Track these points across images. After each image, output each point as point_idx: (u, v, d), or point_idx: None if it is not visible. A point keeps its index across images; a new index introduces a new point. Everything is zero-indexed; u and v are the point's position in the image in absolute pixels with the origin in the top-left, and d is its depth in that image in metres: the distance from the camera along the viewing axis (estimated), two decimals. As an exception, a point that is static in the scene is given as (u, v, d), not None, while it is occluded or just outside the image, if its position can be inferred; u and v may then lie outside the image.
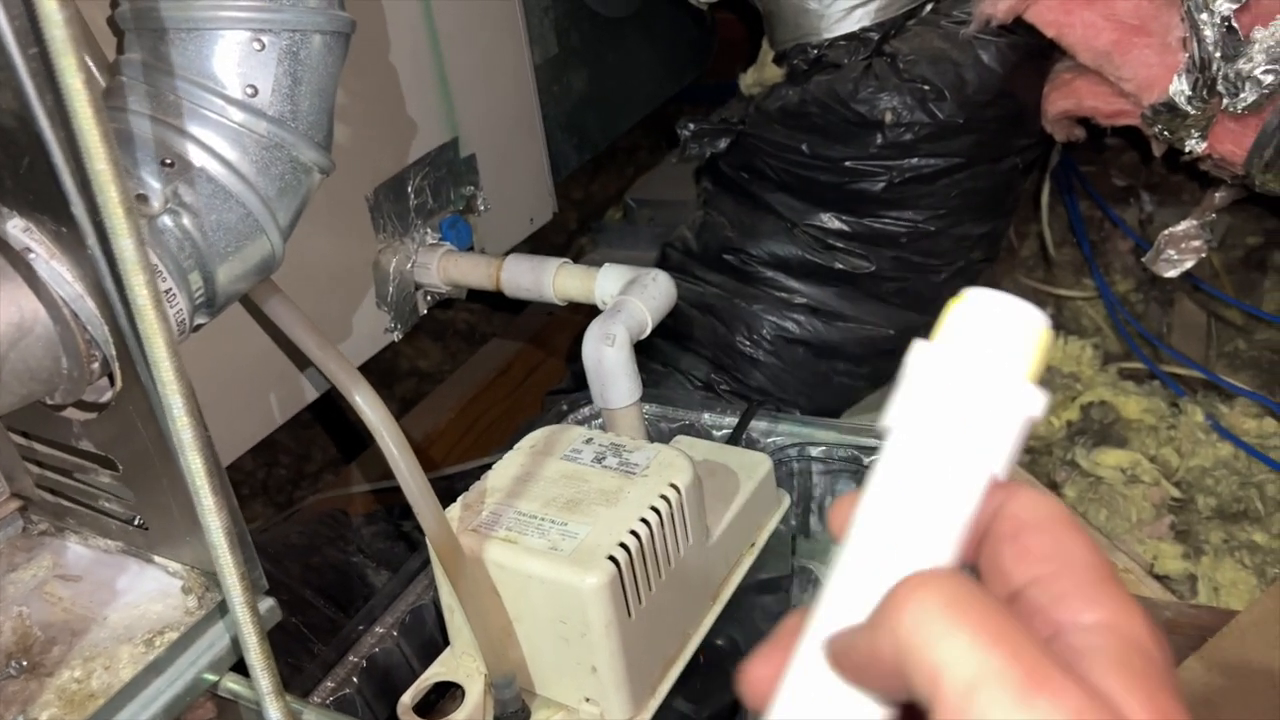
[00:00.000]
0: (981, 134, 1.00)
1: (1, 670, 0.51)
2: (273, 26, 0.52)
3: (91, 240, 0.41)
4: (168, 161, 0.50)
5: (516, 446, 0.72)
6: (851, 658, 0.25)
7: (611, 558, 0.60)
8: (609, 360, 0.79)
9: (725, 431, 0.88)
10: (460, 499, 0.67)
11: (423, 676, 0.67)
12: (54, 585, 0.57)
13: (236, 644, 0.50)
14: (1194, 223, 1.09)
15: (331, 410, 1.35)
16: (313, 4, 0.54)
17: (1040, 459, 1.13)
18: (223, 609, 0.52)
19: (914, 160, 1.00)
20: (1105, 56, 0.91)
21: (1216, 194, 1.08)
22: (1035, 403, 0.25)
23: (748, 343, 1.11)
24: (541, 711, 0.64)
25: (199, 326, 0.56)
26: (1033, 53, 0.99)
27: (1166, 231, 1.09)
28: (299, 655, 0.82)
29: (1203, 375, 1.26)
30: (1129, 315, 1.40)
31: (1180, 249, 1.10)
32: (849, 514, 0.27)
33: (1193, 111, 0.88)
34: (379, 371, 1.51)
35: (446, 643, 0.69)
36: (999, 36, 0.97)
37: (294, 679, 0.71)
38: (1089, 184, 1.55)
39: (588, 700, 0.63)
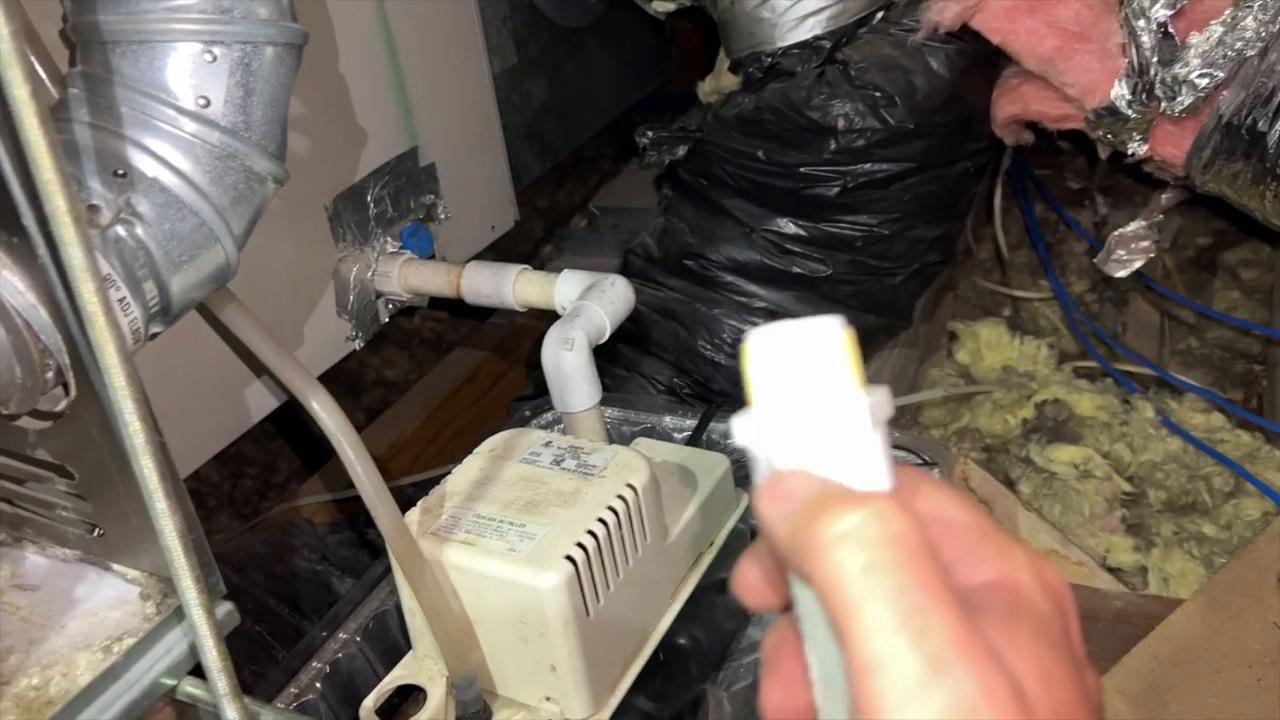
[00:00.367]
0: (932, 139, 1.02)
1: (-42, 680, 0.52)
2: (224, 38, 0.53)
3: (42, 250, 0.41)
4: (120, 172, 0.50)
5: (476, 451, 0.73)
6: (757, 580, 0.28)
7: (569, 557, 0.61)
8: (568, 364, 0.80)
9: (687, 433, 0.90)
10: (420, 503, 0.68)
11: (385, 680, 0.68)
12: (12, 595, 0.57)
13: (195, 649, 0.50)
14: (1142, 224, 1.12)
15: (296, 422, 1.35)
16: (264, 16, 0.55)
17: (996, 456, 1.15)
18: (180, 614, 0.52)
19: (867, 165, 1.02)
20: (1049, 62, 0.94)
21: (1163, 196, 1.11)
22: (877, 407, 0.25)
23: (709, 346, 1.12)
24: (503, 711, 0.65)
25: (155, 335, 0.57)
26: (980, 59, 1.02)
27: (1116, 232, 1.12)
28: (263, 663, 0.82)
29: (1153, 372, 1.29)
30: (1084, 316, 1.43)
31: (1130, 249, 1.12)
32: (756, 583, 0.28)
33: (1133, 115, 0.91)
34: (345, 381, 1.51)
35: (409, 646, 0.70)
36: (947, 43, 1.00)
37: (258, 686, 0.71)
38: (1044, 187, 1.58)
39: (548, 699, 0.64)
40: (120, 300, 0.50)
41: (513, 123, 1.17)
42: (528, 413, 0.93)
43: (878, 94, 0.99)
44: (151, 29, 0.52)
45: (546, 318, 0.87)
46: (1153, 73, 0.87)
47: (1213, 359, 1.39)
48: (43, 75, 0.54)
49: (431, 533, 0.64)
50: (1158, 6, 0.85)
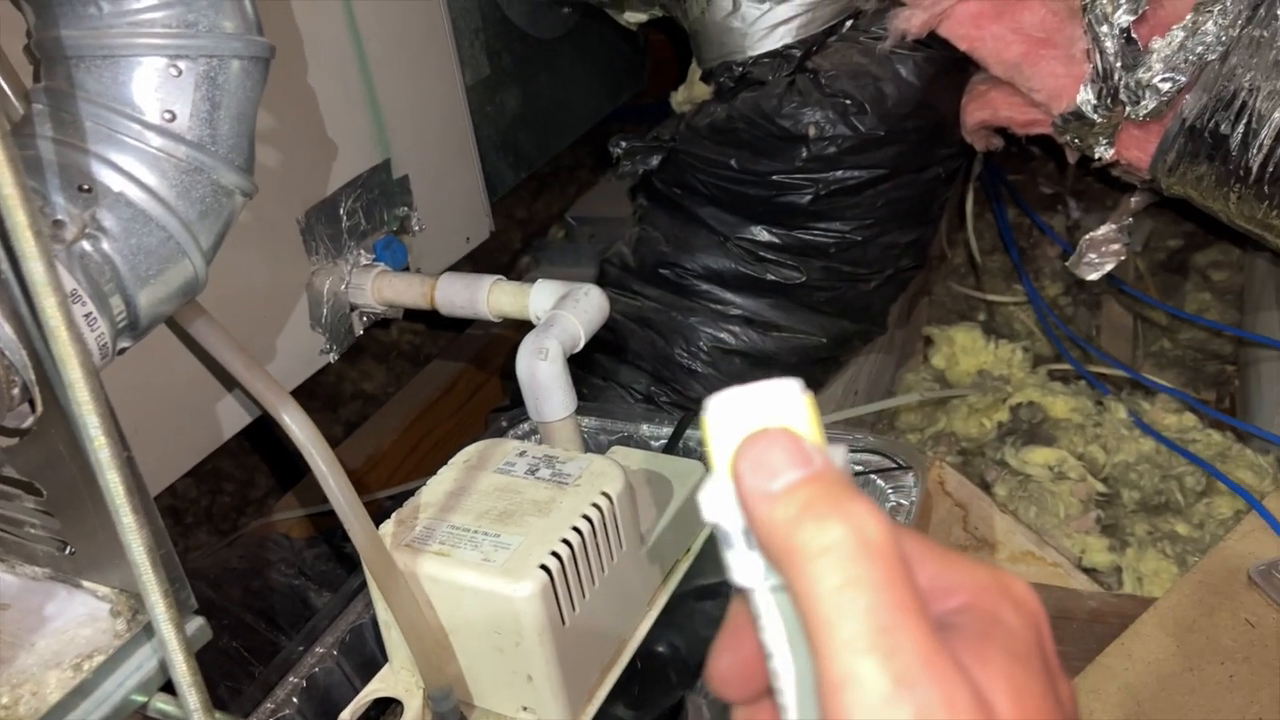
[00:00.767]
0: (903, 145, 1.03)
1: (-74, 701, 0.51)
2: (189, 53, 0.53)
3: (5, 265, 0.41)
4: (84, 187, 0.50)
5: (451, 462, 0.72)
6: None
7: (543, 566, 0.61)
8: (542, 374, 0.80)
9: (664, 441, 0.90)
10: (394, 515, 0.67)
11: (361, 693, 0.68)
12: (-19, 615, 0.57)
13: (165, 665, 0.50)
14: (1112, 227, 1.13)
15: (272, 437, 1.35)
16: (230, 30, 0.55)
17: (972, 459, 1.16)
18: (151, 630, 0.52)
19: (839, 172, 1.02)
20: (1015, 68, 0.95)
21: (1132, 199, 1.12)
22: (841, 455, 0.26)
23: (685, 354, 1.13)
24: (480, 722, 0.65)
25: (123, 350, 0.57)
26: (949, 66, 1.03)
27: (1087, 236, 1.13)
28: (240, 679, 0.82)
29: (1125, 373, 1.30)
30: (1058, 319, 1.44)
31: (1101, 253, 1.13)
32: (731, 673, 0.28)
33: (1099, 120, 0.92)
34: (323, 395, 1.50)
35: (386, 659, 0.70)
36: (916, 51, 1.01)
37: (234, 702, 0.71)
38: (1016, 192, 1.60)
39: (525, 709, 0.64)
40: (87, 315, 0.49)
41: (486, 134, 1.18)
42: (505, 423, 0.93)
43: (848, 101, 1.00)
44: (116, 44, 0.52)
45: (524, 328, 0.87)
46: (1117, 78, 0.88)
47: (1185, 360, 1.40)
48: (6, 90, 0.54)
49: (406, 544, 0.64)
50: (1120, 12, 0.86)
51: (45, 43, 0.53)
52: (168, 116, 0.53)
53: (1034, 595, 0.27)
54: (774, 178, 1.04)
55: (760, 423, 0.25)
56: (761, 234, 1.09)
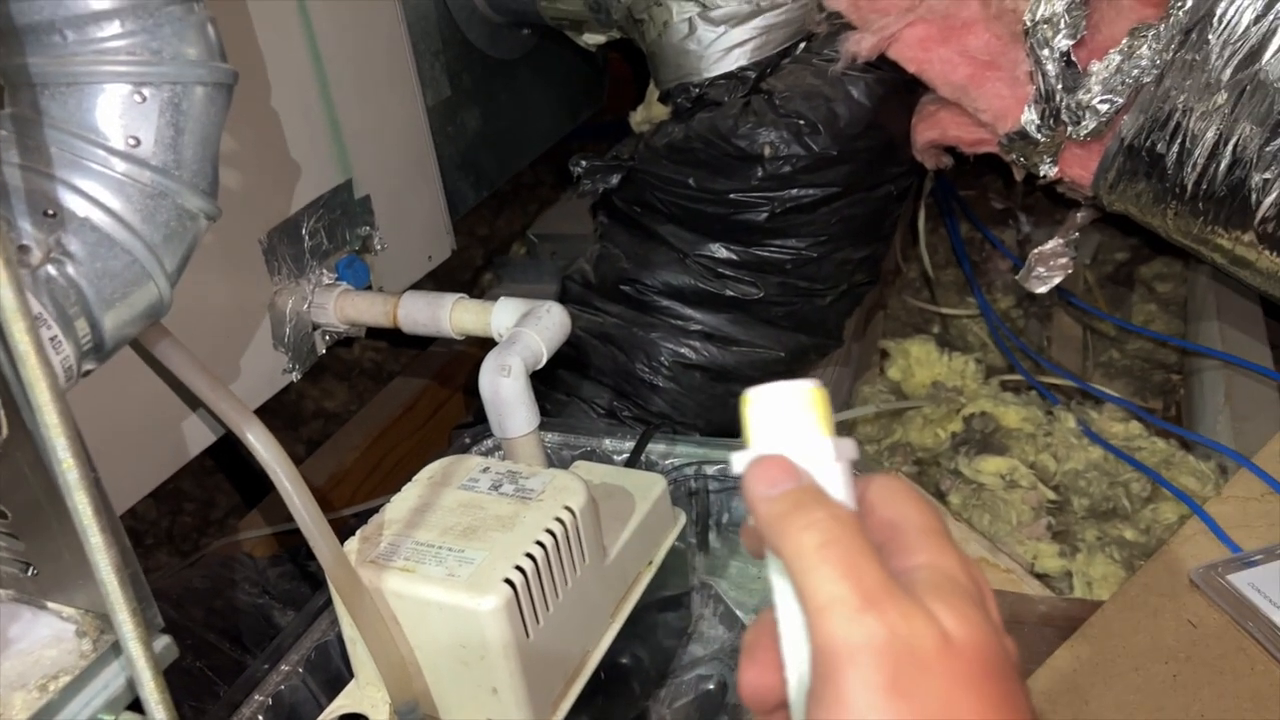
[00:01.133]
0: (855, 164, 1.06)
1: (-111, 725, 0.51)
2: (153, 79, 0.54)
3: (-27, 291, 0.42)
4: (50, 212, 0.51)
5: (415, 479, 0.73)
6: (757, 540, 0.35)
7: (507, 580, 0.62)
8: (505, 390, 0.81)
9: (627, 455, 0.91)
10: (358, 532, 0.68)
11: (327, 710, 0.68)
12: (-56, 638, 0.57)
13: (132, 684, 0.51)
14: (1060, 241, 1.16)
15: (235, 456, 1.34)
16: (193, 56, 0.56)
17: (928, 469, 1.19)
18: (117, 650, 0.53)
19: (793, 191, 1.05)
20: (962, 90, 0.98)
21: (1078, 214, 1.16)
22: (841, 449, 0.35)
23: (647, 369, 1.14)
24: (446, 736, 0.66)
25: (88, 372, 0.57)
26: (899, 87, 1.06)
27: (1035, 250, 1.16)
28: (204, 699, 0.82)
29: (1075, 384, 1.34)
30: (1009, 331, 1.48)
31: (1049, 266, 1.17)
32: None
33: (1042, 139, 0.95)
34: (284, 414, 1.50)
35: (352, 676, 0.70)
36: (866, 73, 1.03)
37: (198, 722, 0.71)
38: (968, 207, 1.64)
39: (490, 721, 0.65)
40: (52, 339, 0.50)
41: (448, 154, 1.19)
42: (468, 440, 0.94)
43: (802, 122, 1.02)
44: (80, 71, 0.52)
45: (487, 345, 0.88)
46: (1058, 99, 0.92)
47: (1133, 370, 1.44)
48: (-30, 117, 0.54)
49: (370, 561, 0.65)
50: (1060, 37, 0.89)
51: (10, 70, 0.54)
52: (132, 142, 0.54)
53: (976, 566, 0.34)
54: (731, 196, 1.07)
55: (783, 411, 0.35)
56: (720, 251, 1.11)
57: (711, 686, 0.81)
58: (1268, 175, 0.86)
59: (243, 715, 0.71)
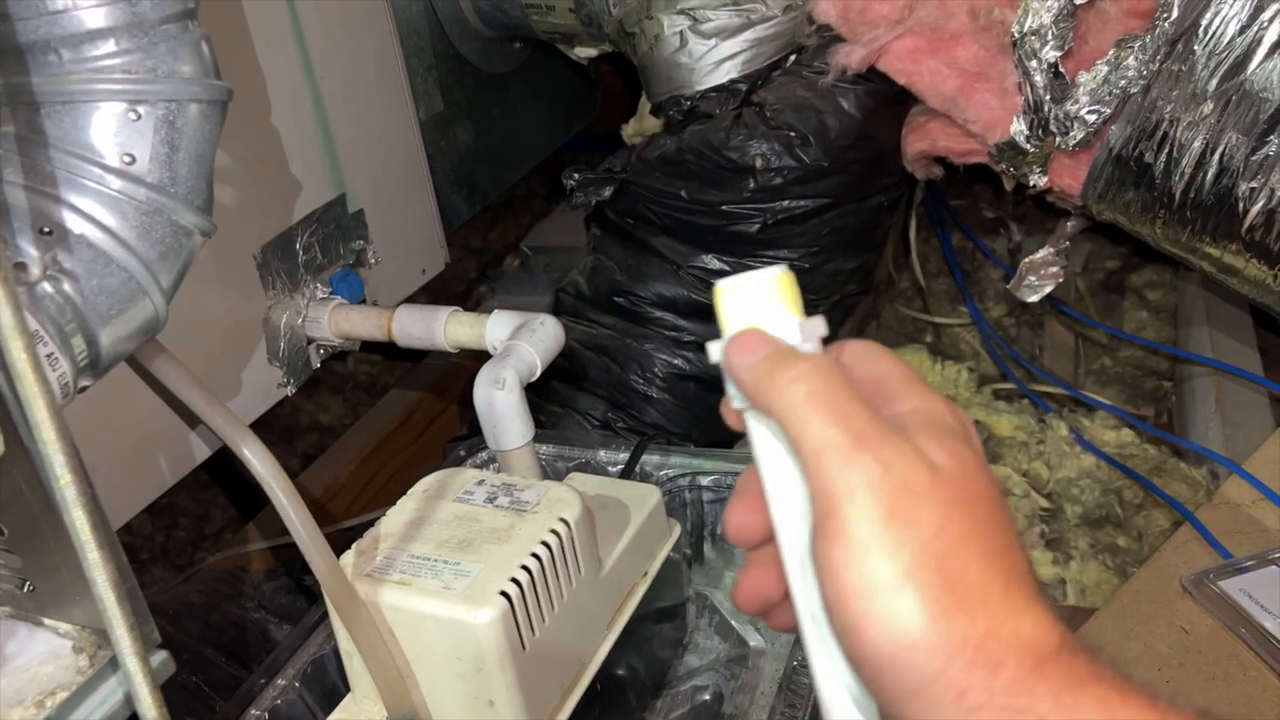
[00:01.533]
0: (846, 175, 1.06)
1: (-114, 743, 0.51)
2: (148, 97, 0.54)
3: (-30, 309, 0.42)
4: (46, 230, 0.51)
5: (410, 492, 0.74)
6: (735, 417, 0.37)
7: (503, 593, 0.62)
8: (500, 403, 0.82)
9: (620, 467, 0.92)
10: (354, 546, 0.68)
11: (324, 723, 0.68)
12: (-60, 655, 0.57)
13: (129, 700, 0.51)
14: (1050, 250, 1.17)
15: (230, 471, 1.34)
16: (188, 74, 0.57)
17: (922, 478, 1.19)
18: (114, 665, 0.53)
19: (785, 202, 1.06)
20: (951, 101, 0.99)
21: (1068, 224, 1.16)
22: (809, 329, 0.36)
23: (641, 381, 1.15)
24: (442, 748, 0.66)
25: (84, 388, 0.57)
26: (889, 98, 1.07)
27: (1026, 259, 1.17)
28: (201, 714, 0.82)
29: (1067, 392, 1.35)
30: (1001, 340, 1.48)
31: (1040, 275, 1.17)
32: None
33: (1031, 149, 0.96)
34: (279, 428, 1.50)
35: (348, 689, 0.71)
36: (856, 84, 1.04)
37: (194, 737, 0.71)
38: (959, 217, 1.65)
39: (487, 734, 0.65)
40: (49, 355, 0.50)
41: (441, 167, 1.19)
42: (463, 452, 0.95)
43: (792, 134, 1.03)
44: (75, 89, 0.53)
45: (481, 358, 0.89)
46: (1046, 109, 0.92)
47: (1125, 377, 1.45)
48: (-34, 136, 0.55)
49: (366, 574, 0.65)
50: (1047, 48, 0.90)
51: (6, 89, 0.54)
52: (127, 160, 0.54)
53: (961, 409, 0.37)
54: (723, 208, 1.07)
55: (754, 299, 0.36)
56: (713, 262, 1.11)
57: (707, 697, 0.81)
58: (1254, 184, 0.87)
59: (239, 730, 0.71)
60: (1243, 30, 0.84)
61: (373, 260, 1.04)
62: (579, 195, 1.17)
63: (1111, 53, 0.89)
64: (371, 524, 0.71)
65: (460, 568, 0.65)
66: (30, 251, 0.51)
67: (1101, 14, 0.90)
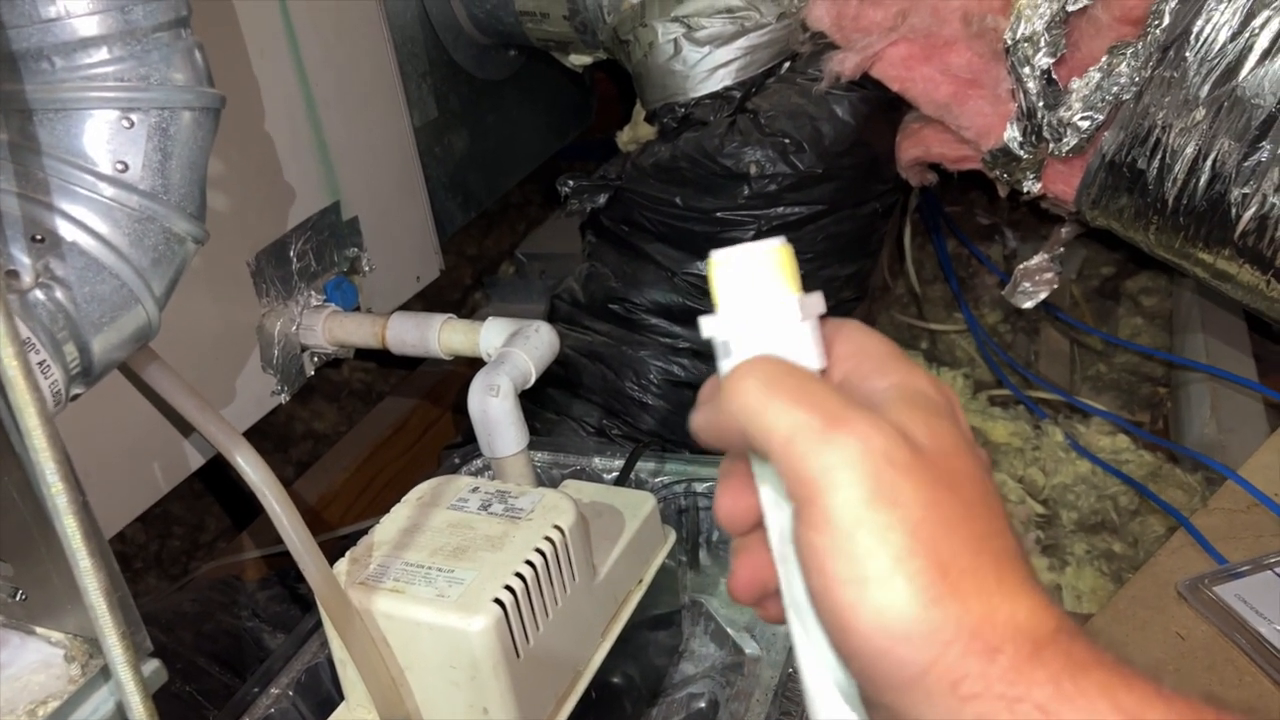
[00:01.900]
0: (841, 182, 1.07)
1: (-124, 753, 0.51)
2: (141, 105, 0.54)
3: (-39, 317, 0.42)
4: (38, 237, 0.51)
5: (404, 499, 0.73)
6: (710, 431, 0.35)
7: (497, 600, 0.62)
8: (494, 410, 0.82)
9: (616, 474, 0.92)
10: (348, 554, 0.68)
11: (318, 732, 0.68)
12: (-70, 665, 0.57)
13: (121, 708, 0.51)
14: (1045, 256, 1.17)
15: (223, 479, 1.34)
16: (181, 82, 0.57)
17: (917, 485, 1.19)
18: (106, 674, 0.52)
19: (780, 209, 1.06)
20: (945, 108, 0.99)
21: (1062, 230, 1.17)
22: (808, 306, 0.35)
23: (636, 388, 1.14)
24: (437, 757, 0.65)
25: (76, 396, 0.57)
26: (883, 105, 1.07)
27: (1021, 266, 1.17)
28: (193, 724, 0.81)
29: (1062, 398, 1.35)
30: (997, 346, 1.49)
31: (1034, 282, 1.18)
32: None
33: (1025, 156, 0.96)
34: (274, 435, 1.50)
35: (342, 698, 0.70)
36: (850, 91, 1.05)
37: (188, 747, 0.71)
38: (954, 223, 1.65)
39: (481, 742, 0.65)
40: (40, 363, 0.50)
41: (435, 174, 1.19)
42: (458, 460, 0.94)
43: (787, 141, 1.03)
44: (68, 97, 0.53)
45: (476, 365, 0.89)
46: (1040, 116, 0.93)
47: (1121, 383, 1.45)
48: (-42, 144, 0.55)
49: (360, 582, 0.65)
50: (1040, 55, 0.90)
51: (-3, 96, 0.54)
52: (120, 167, 0.54)
53: (953, 391, 0.36)
54: (718, 214, 1.07)
55: (748, 271, 0.35)
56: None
57: (703, 705, 0.81)
58: (1246, 190, 0.87)
59: (233, 739, 0.71)
60: (1234, 37, 0.84)
61: (367, 267, 1.04)
62: (574, 202, 1.17)
63: (1104, 59, 0.90)
64: (365, 532, 0.71)
65: (454, 575, 0.64)
66: (22, 259, 0.51)
67: (1094, 21, 0.91)
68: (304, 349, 0.95)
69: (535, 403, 1.17)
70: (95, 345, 0.54)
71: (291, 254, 0.93)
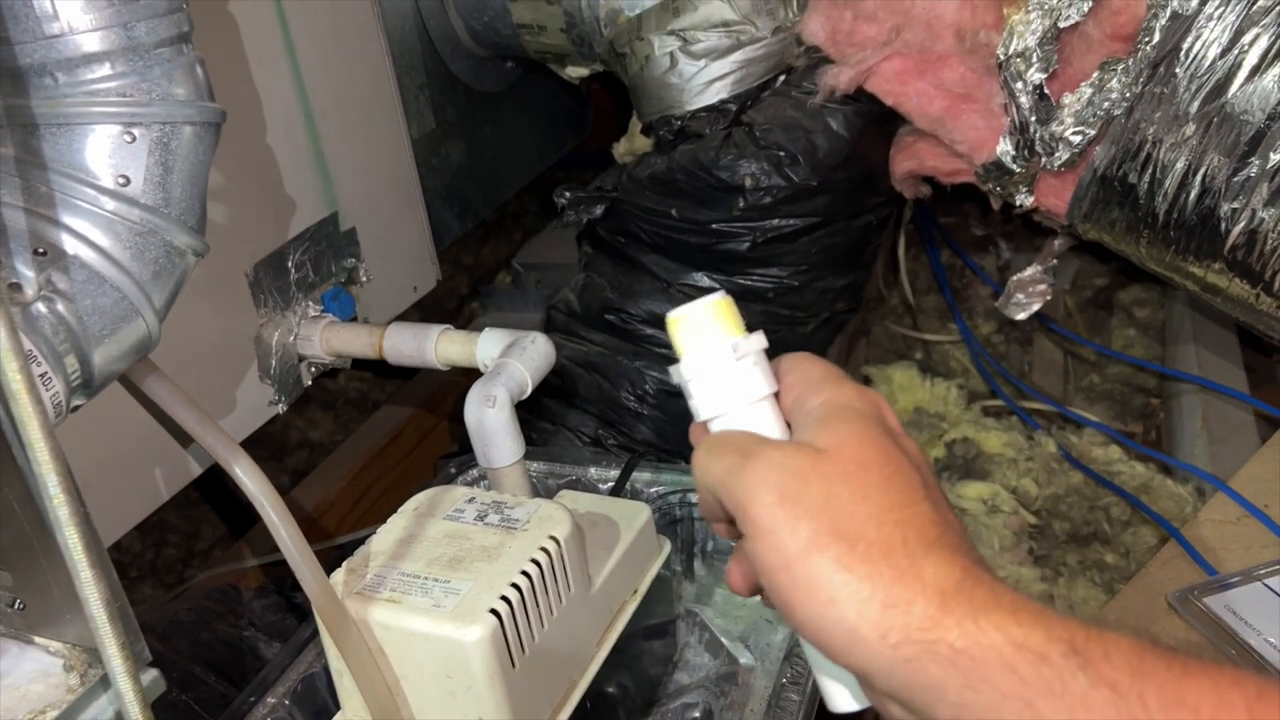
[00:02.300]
0: (835, 194, 1.07)
1: (-125, 762, 0.51)
2: (143, 119, 0.55)
3: (-36, 330, 0.42)
4: (40, 250, 0.52)
5: (400, 510, 0.74)
6: (707, 512, 0.44)
7: (493, 610, 0.62)
8: (490, 421, 0.82)
9: (611, 484, 0.92)
10: (344, 564, 0.68)
11: (314, 742, 0.68)
12: (-71, 674, 0.57)
13: (120, 718, 0.51)
14: (1038, 268, 1.18)
15: (220, 488, 1.34)
16: (182, 96, 0.57)
17: (911, 495, 1.19)
18: (105, 684, 0.53)
19: (775, 221, 1.06)
20: (939, 122, 1.00)
21: (1055, 242, 1.18)
22: (752, 342, 0.43)
23: (632, 398, 1.15)
24: (432, 767, 0.66)
25: (77, 408, 0.58)
26: (877, 118, 1.08)
27: (1014, 277, 1.18)
28: (189, 733, 0.81)
29: (1055, 409, 1.35)
30: (990, 357, 1.49)
31: (1028, 293, 1.18)
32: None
33: (1018, 169, 0.97)
34: (269, 445, 1.50)
35: (338, 708, 0.71)
36: (845, 105, 1.05)
37: (184, 756, 0.71)
38: (948, 235, 1.66)
39: (477, 752, 0.65)
40: (42, 375, 0.51)
41: (433, 185, 1.20)
42: (454, 470, 0.95)
43: (782, 154, 1.04)
44: (71, 112, 0.53)
45: (471, 374, 0.89)
46: (1032, 130, 0.94)
47: (1114, 394, 1.46)
48: (-39, 157, 0.55)
49: (357, 592, 0.65)
50: (1033, 70, 0.91)
51: (1, 111, 0.55)
52: (122, 181, 0.55)
53: (880, 397, 0.43)
54: (713, 226, 1.08)
55: (696, 323, 0.43)
56: (703, 280, 1.12)
57: (698, 714, 0.81)
58: (1235, 204, 0.88)
59: (229, 748, 0.71)
60: (1224, 54, 0.85)
61: (364, 278, 1.04)
62: (570, 213, 1.18)
63: (1095, 75, 0.91)
64: (362, 541, 0.71)
65: (450, 585, 0.65)
66: (25, 272, 0.51)
67: (1085, 37, 0.92)
68: (301, 359, 0.96)
69: (531, 412, 1.17)
70: (96, 357, 0.55)
71: (289, 265, 0.94)
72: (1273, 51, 0.84)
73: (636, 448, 1.14)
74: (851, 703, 0.40)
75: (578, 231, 1.25)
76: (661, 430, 1.15)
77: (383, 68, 1.10)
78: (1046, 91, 0.92)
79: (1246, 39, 0.84)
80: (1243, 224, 0.88)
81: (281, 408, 0.94)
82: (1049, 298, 1.18)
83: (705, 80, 1.08)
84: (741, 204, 1.06)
